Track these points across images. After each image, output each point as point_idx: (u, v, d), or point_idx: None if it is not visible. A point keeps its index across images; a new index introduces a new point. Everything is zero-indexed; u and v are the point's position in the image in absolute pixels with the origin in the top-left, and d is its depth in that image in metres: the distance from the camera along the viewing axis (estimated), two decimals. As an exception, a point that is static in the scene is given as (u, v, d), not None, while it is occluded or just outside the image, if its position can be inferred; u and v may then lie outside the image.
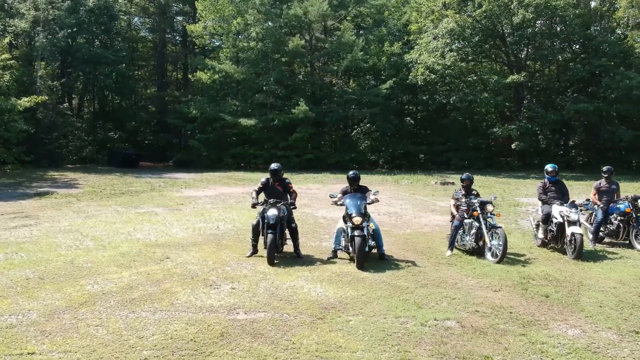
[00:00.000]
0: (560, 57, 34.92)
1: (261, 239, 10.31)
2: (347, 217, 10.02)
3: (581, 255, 10.35)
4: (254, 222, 10.41)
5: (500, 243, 10.05)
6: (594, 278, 9.03)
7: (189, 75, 45.57)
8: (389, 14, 41.24)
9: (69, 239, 11.79)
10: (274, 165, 10.75)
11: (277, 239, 9.82)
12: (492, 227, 10.41)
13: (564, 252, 10.94)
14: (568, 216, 10.72)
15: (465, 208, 11.14)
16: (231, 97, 40.23)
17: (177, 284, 8.25)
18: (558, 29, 35.03)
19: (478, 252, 10.68)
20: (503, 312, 7.06)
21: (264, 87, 37.76)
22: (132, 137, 45.43)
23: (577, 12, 33.87)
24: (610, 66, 33.95)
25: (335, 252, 10.44)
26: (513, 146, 35.69)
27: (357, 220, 9.75)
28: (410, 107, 41.74)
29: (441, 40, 34.80)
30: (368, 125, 40.87)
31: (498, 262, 9.92)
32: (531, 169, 36.55)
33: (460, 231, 10.99)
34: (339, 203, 10.46)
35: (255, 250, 10.36)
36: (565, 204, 11.00)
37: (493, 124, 39.24)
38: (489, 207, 10.59)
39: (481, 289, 8.19)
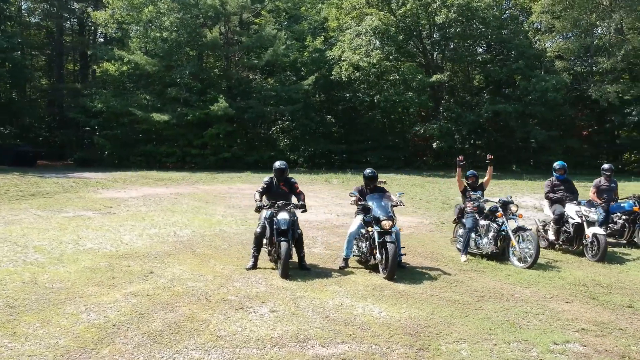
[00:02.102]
0: (480, 58, 35.60)
1: (263, 250, 8.85)
2: (373, 221, 8.73)
3: (605, 257, 9.75)
4: (258, 230, 8.87)
5: (531, 247, 9.21)
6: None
7: (95, 67, 41.85)
8: (305, 10, 40.21)
9: (4, 251, 9.57)
10: (279, 164, 9.26)
11: (291, 247, 8.37)
12: (519, 230, 9.55)
13: (578, 254, 10.32)
14: (587, 216, 10.12)
15: (475, 207, 10.26)
16: (142, 91, 37.31)
17: (197, 307, 6.59)
18: (477, 31, 35.67)
19: (496, 256, 9.79)
20: (612, 328, 6.13)
21: (178, 80, 35.39)
22: (25, 132, 40.95)
23: (496, 14, 34.68)
24: (526, 69, 35.10)
25: (347, 260, 9.13)
26: (434, 145, 35.95)
27: (387, 224, 8.51)
28: (332, 105, 40.87)
29: (365, 38, 34.26)
30: (287, 123, 39.54)
31: (529, 268, 9.06)
32: (449, 169, 37.14)
33: (473, 234, 10.07)
34: (360, 203, 9.15)
35: (256, 262, 8.83)
36: (582, 204, 10.43)
37: (412, 123, 39.42)
38: (513, 208, 9.74)
39: (550, 300, 7.22)
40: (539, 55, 36.66)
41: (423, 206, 18.26)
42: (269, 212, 8.68)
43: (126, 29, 38.43)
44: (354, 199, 9.17)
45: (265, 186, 9.11)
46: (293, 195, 9.21)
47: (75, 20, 47.20)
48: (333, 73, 35.20)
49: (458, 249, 10.30)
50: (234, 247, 10.62)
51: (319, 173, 31.36)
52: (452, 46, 36.83)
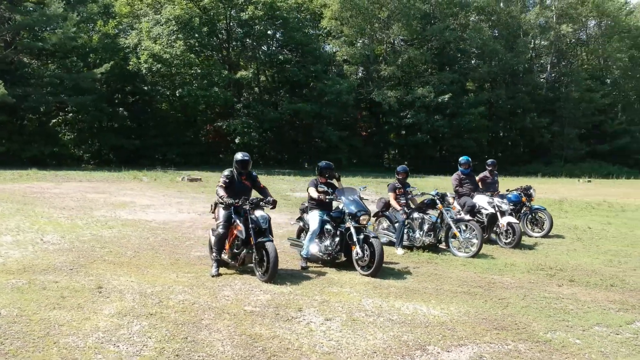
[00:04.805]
0: (282, 57, 36.20)
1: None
2: (349, 217, 8.12)
3: (519, 244, 10.54)
4: (221, 231, 7.65)
5: (471, 236, 9.54)
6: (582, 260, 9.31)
7: None
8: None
9: None
10: (242, 155, 8.08)
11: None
12: (459, 221, 9.82)
13: (490, 242, 10.96)
14: (500, 206, 10.85)
15: (404, 202, 10.32)
16: None
17: (237, 323, 5.41)
18: (279, 31, 36.26)
19: (429, 247, 9.95)
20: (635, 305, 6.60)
21: None
22: None
23: (298, 16, 35.63)
24: (321, 72, 36.80)
25: (307, 259, 8.40)
26: (237, 141, 35.53)
27: (365, 219, 8.03)
28: (127, 97, 37.58)
29: (166, 27, 32.30)
30: (72, 114, 35.29)
31: (472, 257, 9.37)
32: (253, 166, 37.00)
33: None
34: (337, 199, 8.42)
35: (218, 268, 7.67)
36: (494, 195, 11.15)
37: (210, 120, 38.43)
38: (450, 200, 9.97)
39: (543, 285, 7.50)
40: (330, 59, 38.77)
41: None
42: (224, 212, 7.64)
43: None
44: (328, 196, 8.42)
45: (227, 180, 7.90)
46: (254, 191, 8.17)
47: None
48: (130, 63, 32.46)
49: (384, 243, 10.19)
50: (144, 253, 9.08)
51: (121, 170, 28.66)
52: (254, 44, 36.81)
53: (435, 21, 43.33)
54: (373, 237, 7.84)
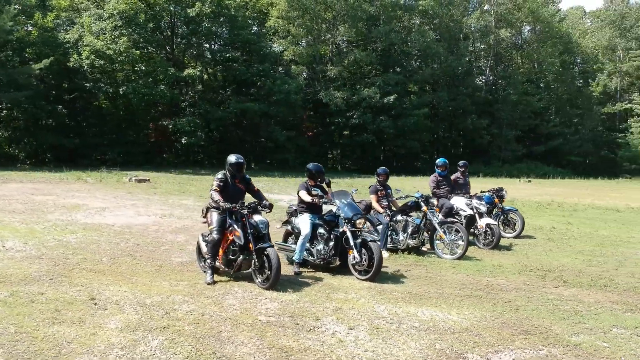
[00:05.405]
0: (229, 55, 35.51)
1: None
2: (345, 221, 7.92)
3: (498, 245, 10.64)
4: (215, 236, 7.29)
5: (457, 238, 9.54)
6: (563, 260, 9.49)
7: None
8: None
9: None
10: (236, 158, 7.68)
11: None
12: (443, 223, 9.80)
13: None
14: (478, 208, 10.93)
15: (386, 204, 10.25)
16: None
17: (259, 334, 5.14)
18: (224, 31, 35.57)
19: (415, 250, 9.91)
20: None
21: None
22: None
23: (246, 14, 35.07)
24: (269, 71, 36.38)
25: (300, 264, 8.17)
26: (184, 141, 34.61)
27: (362, 222, 7.88)
28: (67, 94, 35.75)
29: (109, 22, 31.01)
30: (6, 112, 33.33)
31: (458, 259, 9.37)
32: (196, 166, 36.30)
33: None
34: (331, 202, 8.19)
35: (213, 275, 7.33)
36: (472, 197, 11.22)
37: (155, 118, 37.26)
38: (434, 201, 9.94)
39: (540, 286, 7.57)
40: (277, 59, 38.41)
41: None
42: (217, 217, 7.31)
43: None
44: (322, 199, 8.18)
45: (221, 184, 7.52)
46: (247, 194, 7.84)
47: None
48: (72, 59, 30.95)
49: None
50: (121, 259, 8.58)
51: (63, 171, 27.34)
52: (200, 41, 35.95)
53: (380, 23, 43.76)
54: (371, 241, 7.69)
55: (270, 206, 7.53)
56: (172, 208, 15.55)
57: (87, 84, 34.12)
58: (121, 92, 32.84)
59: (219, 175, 7.64)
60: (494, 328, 5.62)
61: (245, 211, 7.18)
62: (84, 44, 30.77)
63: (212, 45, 36.92)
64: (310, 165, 8.67)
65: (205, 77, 37.43)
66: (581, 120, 54.20)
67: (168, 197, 18.54)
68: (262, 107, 35.48)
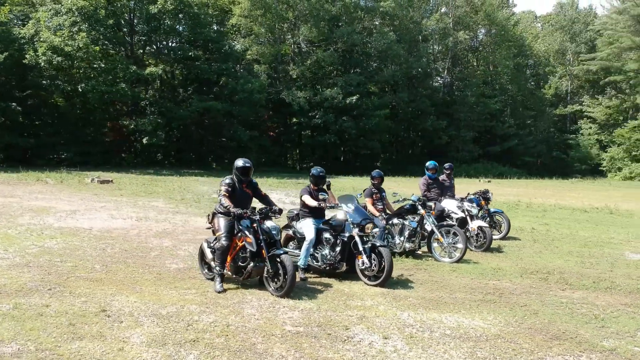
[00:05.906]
0: (191, 54, 34.81)
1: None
2: (354, 225, 7.79)
3: (490, 247, 10.70)
4: (224, 242, 7.06)
5: (457, 242, 9.52)
6: (557, 262, 9.57)
7: None
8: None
9: None
10: (243, 162, 7.46)
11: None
12: (442, 226, 9.77)
13: None
14: (470, 211, 10.96)
15: (382, 207, 10.17)
16: None
17: (297, 346, 4.97)
18: (186, 29, 34.86)
19: (411, 253, 9.87)
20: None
21: None
22: None
23: (209, 12, 34.48)
24: (232, 70, 35.89)
25: (306, 270, 8.01)
26: (145, 141, 33.76)
27: (370, 227, 7.78)
28: (20, 92, 34.14)
29: (68, 18, 29.89)
30: (-45, 109, 31.69)
31: (456, 262, 9.37)
32: (156, 166, 35.50)
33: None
34: (338, 207, 8.03)
35: (222, 283, 7.10)
36: (463, 199, 11.25)
37: (113, 117, 36.18)
38: (431, 204, 9.92)
39: (547, 289, 7.62)
40: (240, 58, 37.93)
41: (193, 205, 16.80)
42: (225, 222, 7.08)
43: None
44: (329, 203, 8.02)
45: (229, 189, 7.27)
46: (254, 199, 7.61)
47: None
48: (27, 56, 29.66)
49: None
50: (114, 267, 8.24)
51: (19, 171, 26.23)
52: (160, 39, 35.15)
53: (342, 24, 43.80)
54: (381, 246, 7.60)
55: (280, 211, 7.36)
56: (145, 210, 15.09)
57: (44, 81, 32.68)
58: (80, 90, 31.61)
59: (227, 180, 7.41)
60: (524, 334, 5.62)
61: (257, 217, 6.98)
62: (41, 40, 29.54)
63: (173, 43, 36.10)
64: (314, 171, 8.53)
65: (165, 75, 36.58)
66: (534, 121, 55.79)
67: (136, 199, 18.00)
68: (225, 106, 34.97)
